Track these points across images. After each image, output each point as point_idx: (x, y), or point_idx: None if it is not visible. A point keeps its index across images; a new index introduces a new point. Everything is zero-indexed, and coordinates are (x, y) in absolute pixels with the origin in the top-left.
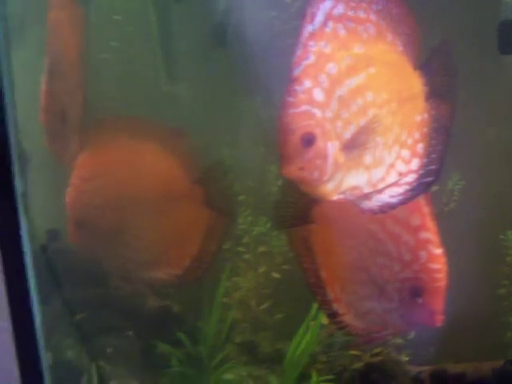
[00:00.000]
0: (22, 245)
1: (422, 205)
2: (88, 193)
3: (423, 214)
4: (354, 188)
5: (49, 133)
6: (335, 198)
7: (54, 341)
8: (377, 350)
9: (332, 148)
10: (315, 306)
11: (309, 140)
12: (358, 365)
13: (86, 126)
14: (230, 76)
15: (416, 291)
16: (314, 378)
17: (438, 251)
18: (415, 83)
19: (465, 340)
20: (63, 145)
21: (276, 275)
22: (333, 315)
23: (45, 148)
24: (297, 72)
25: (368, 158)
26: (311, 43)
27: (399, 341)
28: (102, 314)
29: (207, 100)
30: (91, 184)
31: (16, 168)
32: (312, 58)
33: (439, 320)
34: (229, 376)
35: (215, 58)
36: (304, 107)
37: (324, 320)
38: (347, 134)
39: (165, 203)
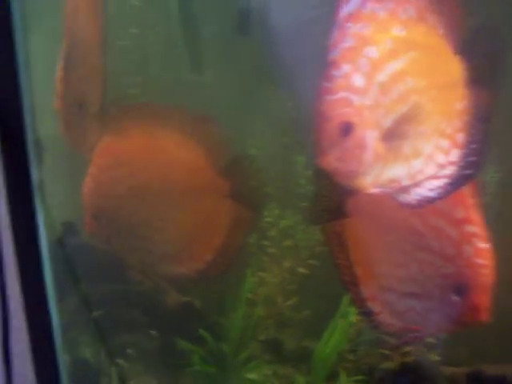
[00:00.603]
0: (38, 239)
1: (467, 196)
2: (107, 183)
3: (468, 206)
4: (393, 180)
5: (65, 121)
6: (373, 190)
7: (70, 339)
8: (407, 349)
9: (371, 137)
10: (343, 302)
11: (347, 129)
12: (389, 364)
13: (105, 113)
14: (255, 64)
15: (459, 288)
16: (343, 377)
17: (484, 245)
18: (456, 68)
19: (503, 340)
20: (80, 133)
21: (302, 270)
22: (367, 314)
23: (59, 136)
24: (334, 56)
25: (407, 149)
26: (349, 25)
27: (430, 339)
28: (120, 311)
29: (231, 89)
30: (110, 174)
31: (32, 157)
32: (350, 41)
33: (485, 318)
34: (252, 375)
35: (240, 44)
36: (342, 94)
37: (353, 317)
38: (387, 123)
39: (188, 195)
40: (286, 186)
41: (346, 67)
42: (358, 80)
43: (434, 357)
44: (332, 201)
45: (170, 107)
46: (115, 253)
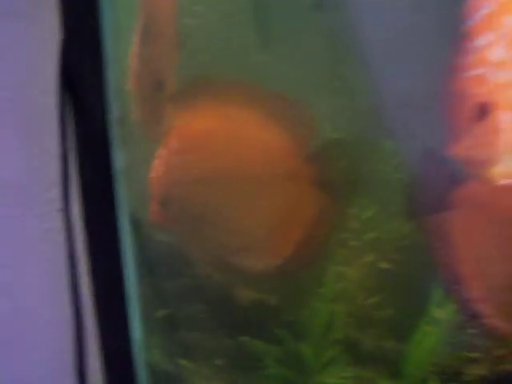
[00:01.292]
0: (117, 234)
1: None
2: (179, 167)
3: None
4: None
5: (140, 100)
6: (502, 182)
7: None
8: (499, 353)
9: (509, 121)
10: (433, 302)
11: (483, 111)
12: (476, 369)
13: (180, 93)
14: (334, 41)
15: None
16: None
17: None
18: None
19: None
20: (156, 114)
21: (385, 265)
22: (475, 316)
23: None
24: (469, 26)
25: None
26: None
27: None
28: (186, 309)
29: (305, 70)
30: (183, 157)
31: (116, 141)
32: (488, 8)
33: None
34: (333, 379)
35: (315, 22)
36: (477, 70)
37: (444, 316)
38: None
39: (270, 182)
40: (369, 174)
41: (482, 39)
42: (497, 54)
43: None
44: (434, 192)
45: (251, 87)
46: (180, 243)
